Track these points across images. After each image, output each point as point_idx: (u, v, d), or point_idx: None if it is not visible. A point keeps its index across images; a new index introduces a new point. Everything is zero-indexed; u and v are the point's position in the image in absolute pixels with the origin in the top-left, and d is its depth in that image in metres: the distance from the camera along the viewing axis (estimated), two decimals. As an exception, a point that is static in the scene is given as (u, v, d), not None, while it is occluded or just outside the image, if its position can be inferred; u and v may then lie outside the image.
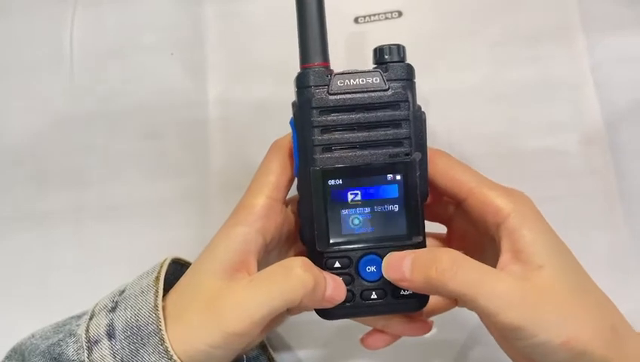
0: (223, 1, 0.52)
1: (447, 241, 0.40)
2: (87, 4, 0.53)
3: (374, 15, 0.50)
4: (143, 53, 0.52)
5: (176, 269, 0.37)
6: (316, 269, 0.33)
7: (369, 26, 0.50)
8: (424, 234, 0.35)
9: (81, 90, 0.52)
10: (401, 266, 0.33)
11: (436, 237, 0.41)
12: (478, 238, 0.37)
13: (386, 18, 0.50)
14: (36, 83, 0.52)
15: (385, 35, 0.50)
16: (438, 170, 0.36)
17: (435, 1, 0.51)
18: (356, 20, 0.50)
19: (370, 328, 0.39)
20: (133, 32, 0.52)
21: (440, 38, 0.50)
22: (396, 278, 0.33)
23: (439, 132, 0.47)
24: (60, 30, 0.52)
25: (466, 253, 0.38)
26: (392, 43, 0.34)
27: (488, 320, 0.31)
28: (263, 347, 0.43)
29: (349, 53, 0.49)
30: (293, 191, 0.37)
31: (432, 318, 0.39)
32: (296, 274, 0.32)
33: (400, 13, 0.50)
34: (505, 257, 0.33)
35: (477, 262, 0.32)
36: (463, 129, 0.48)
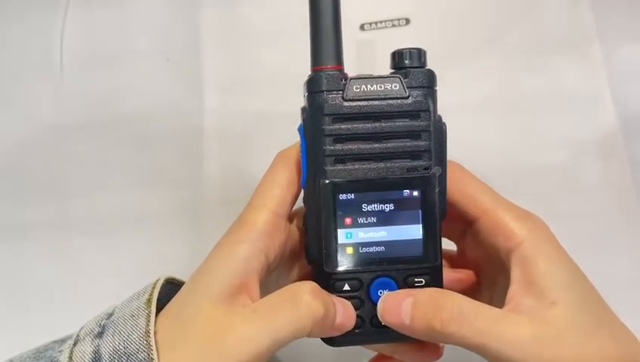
0: (222, 6, 0.50)
1: (456, 261, 0.38)
2: (78, 8, 0.51)
3: (381, 22, 0.49)
4: (136, 59, 0.50)
5: (170, 289, 0.34)
6: (326, 295, 0.31)
7: (375, 33, 0.49)
8: (441, 257, 0.33)
9: (70, 96, 0.50)
10: (399, 311, 0.30)
11: (446, 256, 0.38)
12: (490, 261, 0.35)
13: (393, 25, 0.49)
14: (24, 89, 0.50)
15: (392, 42, 0.47)
16: (453, 184, 0.34)
17: (444, 8, 0.49)
18: (362, 27, 0.49)
19: (374, 352, 0.36)
20: (125, 37, 0.51)
21: (449, 48, 0.48)
22: (395, 324, 0.31)
23: (448, 145, 0.46)
24: (50, 35, 0.51)
25: (476, 276, 0.36)
26: (412, 47, 0.32)
27: None
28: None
29: (354, 61, 0.47)
30: (298, 203, 0.34)
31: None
32: (305, 302, 0.29)
33: (407, 21, 0.49)
34: (515, 288, 0.31)
35: (483, 305, 0.30)
36: (473, 142, 0.46)
